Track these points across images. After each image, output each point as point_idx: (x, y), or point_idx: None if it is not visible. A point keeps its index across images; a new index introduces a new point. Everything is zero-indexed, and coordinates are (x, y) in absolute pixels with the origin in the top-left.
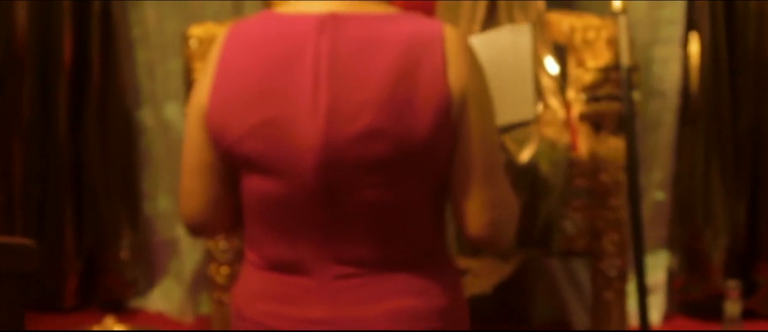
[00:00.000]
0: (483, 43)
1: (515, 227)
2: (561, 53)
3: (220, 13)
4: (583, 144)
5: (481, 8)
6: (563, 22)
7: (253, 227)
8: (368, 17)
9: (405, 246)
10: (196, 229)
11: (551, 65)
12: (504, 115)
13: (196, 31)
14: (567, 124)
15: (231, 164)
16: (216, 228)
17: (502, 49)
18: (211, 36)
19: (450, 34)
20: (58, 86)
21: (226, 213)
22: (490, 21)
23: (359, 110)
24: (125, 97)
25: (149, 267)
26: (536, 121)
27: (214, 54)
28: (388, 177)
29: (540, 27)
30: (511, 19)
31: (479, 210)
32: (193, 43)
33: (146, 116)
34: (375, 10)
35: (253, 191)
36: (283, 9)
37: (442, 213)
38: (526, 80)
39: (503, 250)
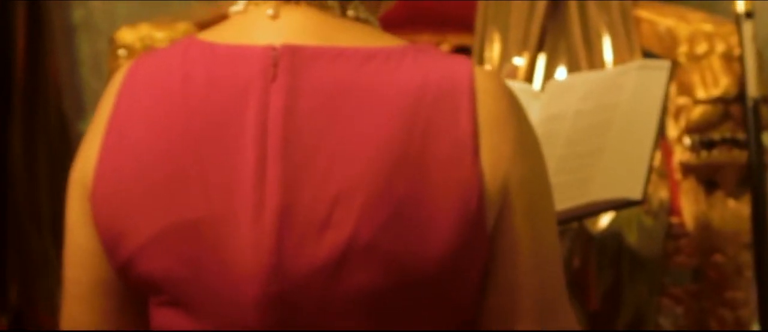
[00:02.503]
0: (595, 84)
1: None
2: None
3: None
4: (688, 207)
5: (541, 7)
6: (660, 23)
7: None
8: (349, 53)
9: None
10: None
11: None
12: (597, 190)
13: (127, 35)
14: (665, 176)
15: (131, 287)
16: None
17: (621, 93)
18: (147, 44)
19: (484, 83)
20: None
21: None
22: (554, 24)
23: (331, 211)
24: (62, 101)
25: None
26: (643, 204)
27: (107, 105)
28: (380, 321)
29: (625, 29)
30: (585, 21)
31: None
32: (121, 54)
33: None
34: (361, 42)
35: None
36: (214, 35)
37: None
38: (645, 145)
39: None
